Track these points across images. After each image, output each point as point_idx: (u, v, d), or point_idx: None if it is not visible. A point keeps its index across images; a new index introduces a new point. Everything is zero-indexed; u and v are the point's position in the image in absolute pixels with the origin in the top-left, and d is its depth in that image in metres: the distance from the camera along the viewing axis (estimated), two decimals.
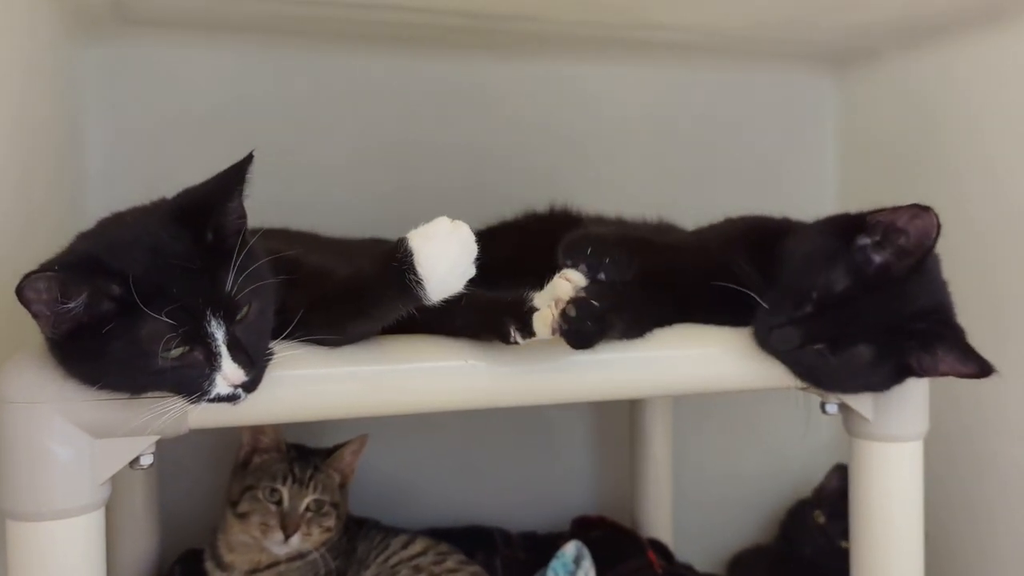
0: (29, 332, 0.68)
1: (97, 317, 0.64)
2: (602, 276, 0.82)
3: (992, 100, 1.31)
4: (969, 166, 1.35)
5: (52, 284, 0.62)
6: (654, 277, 0.87)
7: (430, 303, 0.70)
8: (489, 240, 0.97)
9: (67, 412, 0.67)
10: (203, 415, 0.71)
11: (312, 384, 0.76)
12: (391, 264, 0.69)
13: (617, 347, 0.83)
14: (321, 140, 1.42)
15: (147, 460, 0.73)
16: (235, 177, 0.70)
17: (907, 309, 0.83)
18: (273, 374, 0.73)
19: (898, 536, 0.92)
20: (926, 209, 0.80)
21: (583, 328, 0.75)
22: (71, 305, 0.63)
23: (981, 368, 0.81)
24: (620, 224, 1.10)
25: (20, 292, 0.62)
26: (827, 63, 1.64)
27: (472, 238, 0.71)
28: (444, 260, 0.69)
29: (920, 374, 0.86)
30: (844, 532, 1.38)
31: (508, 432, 1.55)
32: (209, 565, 1.14)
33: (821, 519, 1.45)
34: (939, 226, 0.80)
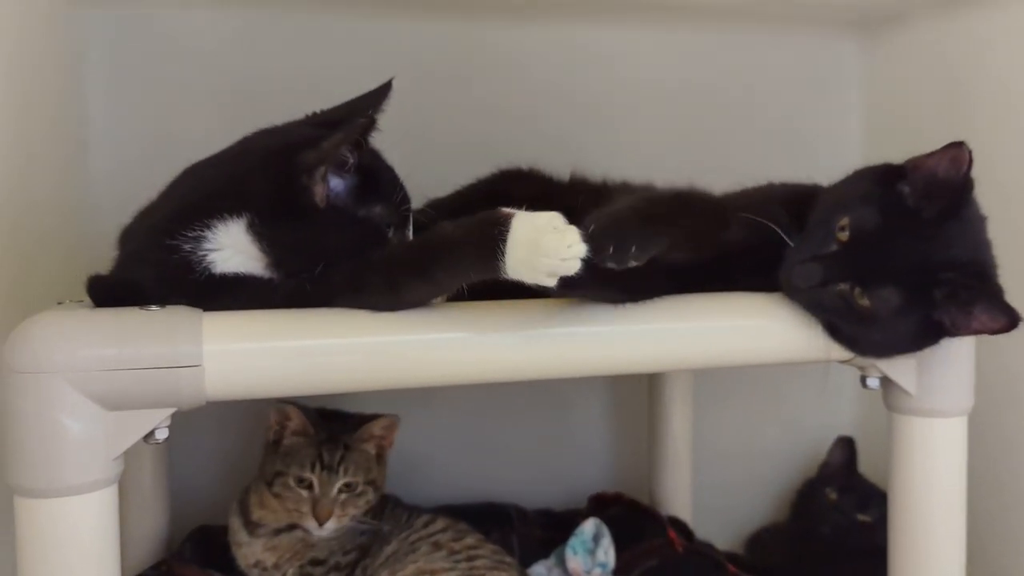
0: (37, 297, 0.64)
1: None
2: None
3: (1022, 66, 1.26)
4: (998, 135, 1.30)
5: None
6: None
7: (505, 276, 0.67)
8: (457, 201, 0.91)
9: (78, 382, 0.63)
10: (220, 387, 0.68)
11: (329, 355, 0.72)
12: (492, 229, 0.67)
13: (641, 319, 0.80)
14: (330, 105, 1.38)
15: (162, 434, 0.69)
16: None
17: (939, 255, 0.79)
18: (291, 343, 0.70)
19: (940, 516, 0.88)
20: (958, 144, 0.78)
21: None
22: None
23: (1010, 319, 0.76)
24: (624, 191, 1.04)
25: None
26: (853, 27, 1.59)
27: (571, 243, 0.66)
28: (524, 248, 0.66)
29: (952, 332, 0.81)
30: (858, 505, 1.40)
31: (523, 408, 1.51)
32: (234, 522, 1.13)
33: (833, 496, 1.43)
34: (970, 160, 0.78)
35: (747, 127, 1.57)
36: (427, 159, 1.37)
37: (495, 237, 0.66)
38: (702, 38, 1.53)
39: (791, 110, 1.60)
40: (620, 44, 1.50)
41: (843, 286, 0.80)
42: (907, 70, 1.52)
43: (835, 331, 0.84)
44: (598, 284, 0.73)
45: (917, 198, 0.81)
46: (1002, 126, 1.30)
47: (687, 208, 0.86)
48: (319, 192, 0.74)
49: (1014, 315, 0.77)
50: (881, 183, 0.84)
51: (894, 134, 1.56)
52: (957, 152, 0.79)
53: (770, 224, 0.84)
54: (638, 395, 1.51)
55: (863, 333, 0.83)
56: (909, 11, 1.46)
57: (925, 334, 0.83)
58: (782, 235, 0.84)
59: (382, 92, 0.83)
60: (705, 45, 1.54)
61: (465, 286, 0.71)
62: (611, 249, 0.70)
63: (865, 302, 0.80)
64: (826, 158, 1.60)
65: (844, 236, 0.81)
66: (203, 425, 1.29)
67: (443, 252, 0.70)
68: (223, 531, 1.15)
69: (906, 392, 0.87)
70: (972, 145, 1.37)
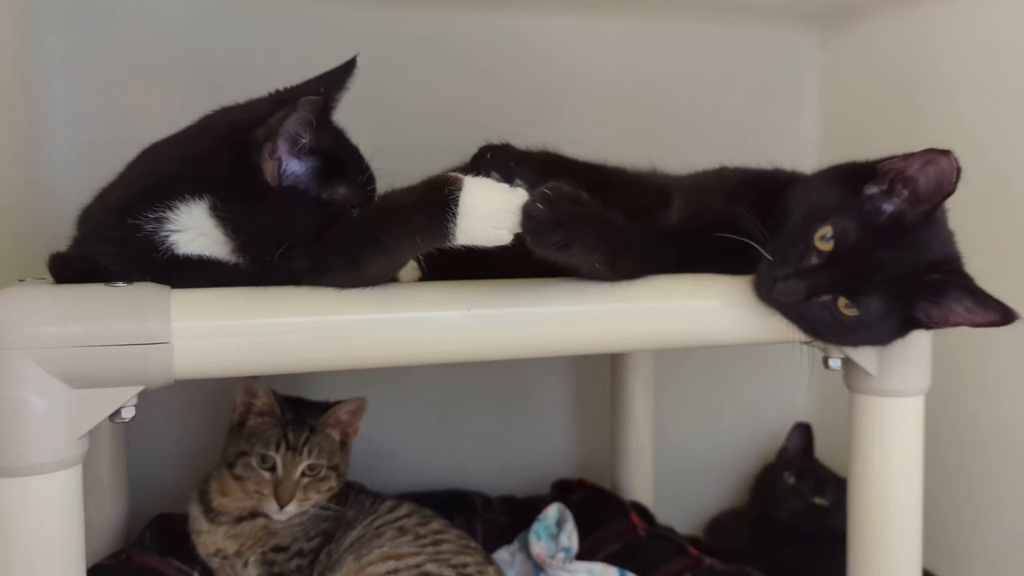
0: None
1: None
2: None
3: (976, 63, 1.30)
4: (951, 130, 1.33)
5: None
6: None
7: (454, 244, 0.67)
8: None
9: (43, 360, 0.62)
10: (189, 364, 0.67)
11: (299, 333, 0.71)
12: (441, 191, 0.67)
13: (613, 297, 0.80)
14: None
15: (128, 413, 0.68)
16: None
17: (921, 260, 0.80)
18: (261, 321, 0.70)
19: (898, 492, 0.90)
20: (944, 153, 0.77)
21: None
22: None
23: (1003, 315, 0.78)
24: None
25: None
26: (811, 21, 1.62)
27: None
28: (488, 205, 0.67)
29: (929, 326, 0.84)
30: (815, 489, 1.43)
31: (487, 396, 1.52)
32: (194, 510, 1.11)
33: (791, 480, 1.45)
34: (959, 169, 0.76)
35: (705, 118, 1.58)
36: (382, 150, 1.37)
37: (445, 198, 0.67)
38: (660, 29, 1.54)
39: (749, 102, 1.62)
40: (578, 34, 1.51)
41: (827, 297, 0.81)
42: (864, 65, 1.54)
43: (810, 329, 0.85)
44: (584, 247, 0.73)
45: (893, 201, 0.81)
46: (954, 122, 1.33)
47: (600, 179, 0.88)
48: (269, 169, 0.73)
49: (1005, 310, 0.78)
50: (851, 185, 0.84)
51: (850, 127, 1.59)
52: (946, 164, 0.77)
53: (748, 241, 0.84)
54: (600, 383, 1.53)
55: (844, 336, 0.85)
56: (867, 7, 1.49)
57: (902, 330, 0.85)
58: (760, 250, 0.84)
59: (346, 69, 0.82)
60: (663, 36, 1.55)
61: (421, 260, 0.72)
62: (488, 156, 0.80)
63: (852, 312, 0.81)
64: (783, 150, 1.61)
65: (826, 246, 0.81)
66: (163, 410, 1.27)
67: (393, 219, 0.69)
68: (184, 519, 1.14)
69: (867, 373, 0.89)
70: (925, 140, 1.41)
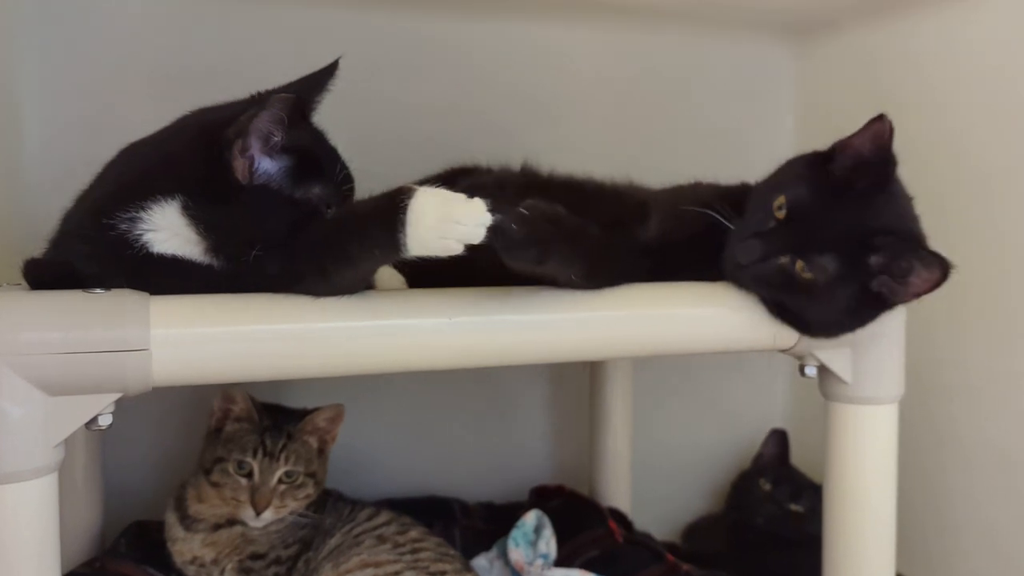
0: None
1: None
2: None
3: (951, 74, 1.31)
4: (928, 140, 1.35)
5: None
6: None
7: (407, 256, 0.67)
8: None
9: (20, 367, 0.62)
10: (167, 372, 0.66)
11: (278, 341, 0.71)
12: (394, 200, 0.66)
13: (595, 305, 0.81)
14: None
15: (106, 420, 0.67)
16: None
17: (873, 222, 0.84)
18: (240, 329, 0.70)
19: (872, 499, 0.92)
20: (879, 119, 0.84)
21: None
22: None
23: (943, 268, 0.80)
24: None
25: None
26: (788, 33, 1.63)
27: (480, 217, 0.67)
28: (434, 215, 0.66)
29: (892, 300, 0.85)
30: (791, 496, 1.44)
31: (465, 402, 1.52)
32: (171, 517, 1.10)
33: (767, 487, 1.46)
34: (891, 131, 0.83)
35: (685, 127, 1.60)
36: (373, 154, 1.37)
37: (396, 208, 0.66)
38: (644, 39, 1.56)
39: (727, 111, 1.63)
40: (564, 42, 1.51)
41: (784, 259, 0.84)
42: (839, 75, 1.56)
43: (782, 309, 0.87)
44: (561, 261, 0.75)
45: (847, 174, 0.86)
46: (929, 130, 1.35)
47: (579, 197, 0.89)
48: (239, 167, 0.72)
49: (945, 263, 0.80)
50: (811, 166, 0.90)
51: (826, 137, 1.60)
52: (880, 126, 0.84)
53: (709, 212, 0.89)
54: (579, 389, 1.53)
55: (807, 307, 0.86)
56: (841, 17, 1.51)
57: (866, 305, 0.86)
58: (723, 220, 0.88)
59: (327, 72, 0.82)
60: (646, 46, 1.57)
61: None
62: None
63: (807, 274, 0.83)
64: (761, 159, 1.63)
65: (781, 213, 0.86)
66: (139, 416, 1.26)
67: (354, 229, 0.70)
68: (159, 527, 1.13)
69: (842, 380, 0.91)
70: (901, 149, 1.43)
